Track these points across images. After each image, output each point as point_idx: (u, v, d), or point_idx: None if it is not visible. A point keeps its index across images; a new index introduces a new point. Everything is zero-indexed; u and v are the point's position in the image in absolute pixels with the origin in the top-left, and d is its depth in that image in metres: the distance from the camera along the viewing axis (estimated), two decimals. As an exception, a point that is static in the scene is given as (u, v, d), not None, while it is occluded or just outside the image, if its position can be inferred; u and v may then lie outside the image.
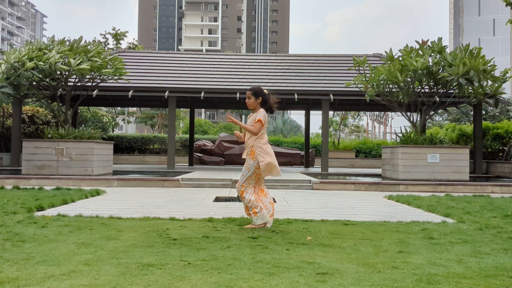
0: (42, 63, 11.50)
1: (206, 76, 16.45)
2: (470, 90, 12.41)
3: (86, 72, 11.99)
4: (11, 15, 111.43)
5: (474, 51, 12.11)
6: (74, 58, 11.77)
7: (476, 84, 11.99)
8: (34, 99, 14.03)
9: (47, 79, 12.39)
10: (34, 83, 12.62)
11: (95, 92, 14.46)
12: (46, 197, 7.48)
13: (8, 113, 17.30)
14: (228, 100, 18.11)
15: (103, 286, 2.89)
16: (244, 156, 5.43)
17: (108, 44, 30.03)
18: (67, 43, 12.62)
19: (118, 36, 30.03)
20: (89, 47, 12.57)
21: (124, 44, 31.22)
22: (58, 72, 12.04)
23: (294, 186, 10.81)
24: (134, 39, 33.21)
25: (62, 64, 12.00)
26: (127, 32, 30.88)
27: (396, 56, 12.61)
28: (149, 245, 4.13)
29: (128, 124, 48.67)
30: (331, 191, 10.38)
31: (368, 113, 41.03)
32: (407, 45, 12.54)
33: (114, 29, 30.43)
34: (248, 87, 5.49)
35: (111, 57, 12.54)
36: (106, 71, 12.16)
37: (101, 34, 30.65)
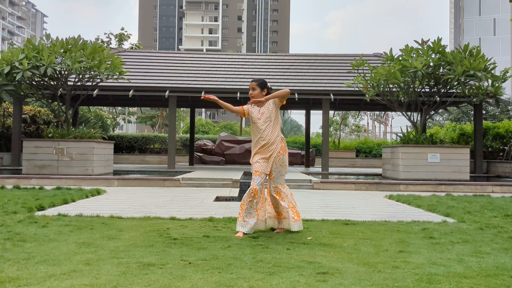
0: (38, 57, 11.44)
1: (207, 75, 16.45)
2: (471, 90, 12.40)
3: (81, 71, 11.94)
4: (12, 15, 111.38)
5: (473, 51, 12.10)
6: (69, 58, 11.72)
7: (478, 83, 11.97)
8: (34, 99, 14.00)
9: (46, 79, 12.37)
10: (34, 82, 12.61)
11: (95, 92, 14.46)
12: (46, 196, 7.48)
13: (8, 113, 17.30)
14: (229, 100, 18.07)
15: (103, 285, 2.89)
16: (270, 154, 4.85)
17: (111, 44, 30.01)
18: (70, 41, 12.59)
19: (122, 37, 29.99)
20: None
21: (126, 45, 31.19)
22: (58, 70, 12.01)
23: (294, 185, 10.80)
24: (138, 41, 33.01)
25: (58, 63, 11.96)
26: (131, 34, 30.83)
27: (396, 56, 12.59)
28: (150, 244, 4.13)
29: (129, 123, 48.67)
30: (332, 190, 10.38)
31: (369, 112, 41.04)
32: (407, 45, 12.51)
33: (122, 29, 30.37)
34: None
35: (105, 52, 12.37)
36: (104, 66, 12.08)
37: (105, 34, 30.71)
